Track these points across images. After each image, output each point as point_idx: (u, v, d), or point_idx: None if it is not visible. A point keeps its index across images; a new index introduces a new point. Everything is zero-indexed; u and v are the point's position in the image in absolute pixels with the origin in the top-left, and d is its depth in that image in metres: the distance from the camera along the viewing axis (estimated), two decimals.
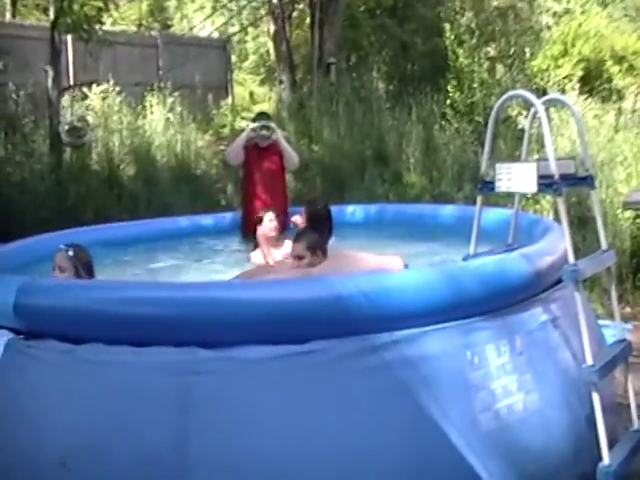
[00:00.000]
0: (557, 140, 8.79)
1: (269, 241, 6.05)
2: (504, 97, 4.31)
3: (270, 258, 5.89)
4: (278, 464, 3.01)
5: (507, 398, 3.29)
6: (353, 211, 7.22)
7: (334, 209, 6.09)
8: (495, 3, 15.76)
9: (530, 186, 3.77)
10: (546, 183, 3.69)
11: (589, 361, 3.46)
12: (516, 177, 3.81)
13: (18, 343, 3.39)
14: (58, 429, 3.17)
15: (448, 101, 11.91)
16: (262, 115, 7.34)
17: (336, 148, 11.22)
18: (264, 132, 6.89)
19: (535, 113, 4.23)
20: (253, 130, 6.89)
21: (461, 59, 12.12)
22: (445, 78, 12.47)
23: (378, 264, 4.67)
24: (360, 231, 6.72)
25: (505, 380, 3.32)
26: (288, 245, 6.06)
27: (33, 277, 3.80)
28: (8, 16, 16.82)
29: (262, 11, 18.35)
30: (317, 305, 3.21)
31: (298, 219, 5.83)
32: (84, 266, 4.40)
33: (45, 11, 18.81)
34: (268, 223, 6.07)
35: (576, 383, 3.55)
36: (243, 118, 14.15)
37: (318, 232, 5.17)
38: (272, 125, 7.00)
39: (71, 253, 4.38)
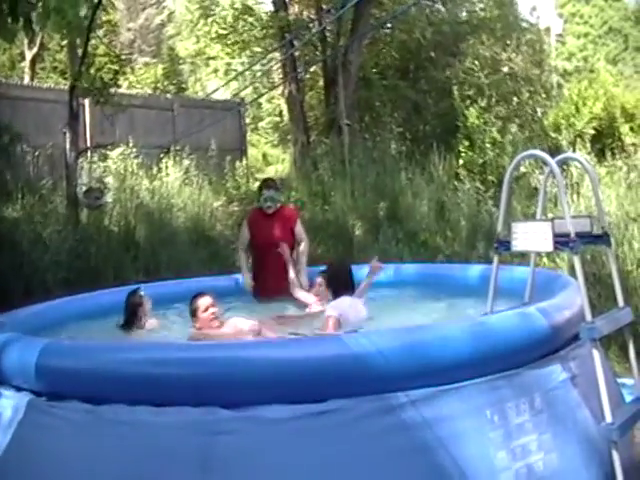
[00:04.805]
0: (572, 198, 8.81)
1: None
2: (518, 157, 4.35)
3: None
4: None
5: (527, 458, 3.26)
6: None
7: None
8: (505, 69, 15.97)
9: (546, 245, 3.79)
10: (562, 241, 3.72)
11: (608, 419, 3.44)
12: (532, 236, 3.83)
13: (40, 403, 3.40)
14: None
15: (461, 161, 12.00)
16: (267, 182, 7.28)
17: (350, 209, 11.27)
18: (269, 204, 6.86)
19: (550, 172, 4.25)
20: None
21: (472, 119, 12.25)
22: (457, 138, 12.58)
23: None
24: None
25: (525, 439, 3.29)
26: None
27: (55, 339, 3.83)
28: (27, 79, 17.21)
29: (275, 76, 18.62)
30: (334, 363, 3.21)
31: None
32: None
33: (63, 74, 19.26)
34: (202, 314, 5.21)
35: (596, 442, 3.51)
36: (256, 179, 14.32)
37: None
38: (277, 197, 6.95)
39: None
